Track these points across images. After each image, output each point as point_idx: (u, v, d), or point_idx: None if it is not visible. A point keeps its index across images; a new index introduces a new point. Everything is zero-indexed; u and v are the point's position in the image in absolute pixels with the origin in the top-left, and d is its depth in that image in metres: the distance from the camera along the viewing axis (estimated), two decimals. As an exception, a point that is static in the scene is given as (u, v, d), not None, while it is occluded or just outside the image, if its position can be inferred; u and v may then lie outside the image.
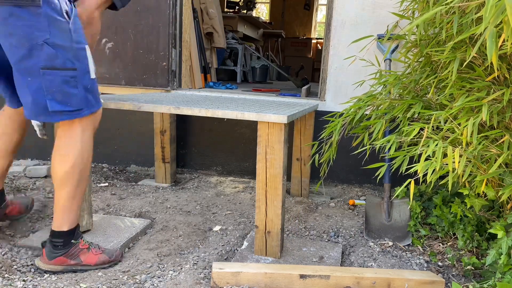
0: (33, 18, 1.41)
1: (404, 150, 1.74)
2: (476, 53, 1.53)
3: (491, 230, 1.59)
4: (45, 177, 2.85)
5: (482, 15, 1.12)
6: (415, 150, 1.63)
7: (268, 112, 1.76)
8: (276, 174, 1.73)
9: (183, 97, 2.48)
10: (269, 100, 2.73)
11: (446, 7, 1.30)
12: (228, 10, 6.74)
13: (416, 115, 1.92)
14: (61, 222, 1.62)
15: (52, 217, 2.15)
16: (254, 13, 7.45)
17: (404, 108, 1.95)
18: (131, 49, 2.93)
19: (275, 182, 1.74)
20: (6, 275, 1.58)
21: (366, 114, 2.16)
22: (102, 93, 3.02)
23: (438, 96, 1.87)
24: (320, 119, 2.61)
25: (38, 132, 1.74)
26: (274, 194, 1.75)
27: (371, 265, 1.83)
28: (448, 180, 1.50)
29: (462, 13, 1.49)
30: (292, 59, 7.68)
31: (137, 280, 1.62)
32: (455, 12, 1.50)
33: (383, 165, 1.96)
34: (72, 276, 1.63)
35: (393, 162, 1.81)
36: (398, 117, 1.97)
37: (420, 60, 2.01)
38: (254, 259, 1.79)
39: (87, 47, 1.55)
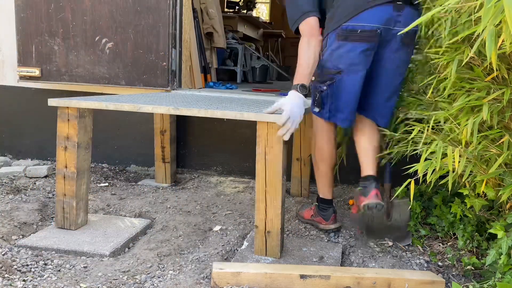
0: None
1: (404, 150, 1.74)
2: (475, 54, 1.53)
3: (491, 230, 1.59)
4: (45, 177, 2.85)
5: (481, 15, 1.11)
6: (415, 150, 1.62)
7: (268, 112, 1.76)
8: (276, 174, 1.73)
9: (183, 97, 2.48)
10: (269, 100, 2.73)
11: (445, 7, 1.30)
12: (228, 10, 6.73)
13: (415, 115, 1.92)
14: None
15: (53, 217, 2.18)
16: (254, 13, 7.44)
17: (404, 108, 1.95)
18: (131, 49, 2.93)
19: (275, 182, 1.74)
20: (6, 275, 1.58)
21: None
22: (102, 93, 3.02)
23: (438, 96, 1.87)
24: (320, 119, 2.60)
25: None
26: (274, 194, 1.75)
27: (371, 265, 1.83)
28: (448, 180, 1.50)
29: (462, 13, 1.49)
30: (292, 59, 7.64)
31: (137, 280, 1.63)
32: (457, 12, 1.50)
33: (382, 165, 1.96)
34: (72, 276, 1.63)
35: (393, 161, 1.81)
36: (398, 117, 1.98)
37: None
38: (254, 259, 1.79)
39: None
